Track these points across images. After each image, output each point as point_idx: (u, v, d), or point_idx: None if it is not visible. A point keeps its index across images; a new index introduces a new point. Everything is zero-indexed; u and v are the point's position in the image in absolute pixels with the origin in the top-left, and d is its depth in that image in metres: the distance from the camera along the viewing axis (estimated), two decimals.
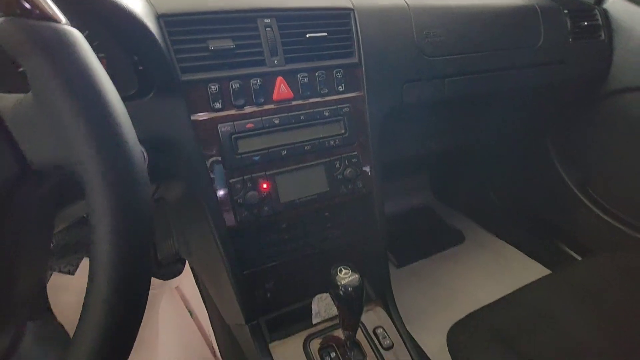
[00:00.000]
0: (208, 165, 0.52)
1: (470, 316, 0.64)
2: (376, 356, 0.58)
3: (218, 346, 0.79)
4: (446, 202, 1.42)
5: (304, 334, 0.60)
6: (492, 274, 1.11)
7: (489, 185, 1.31)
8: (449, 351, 0.59)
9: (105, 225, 0.23)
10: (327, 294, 0.67)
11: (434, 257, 1.19)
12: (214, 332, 0.80)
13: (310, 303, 0.66)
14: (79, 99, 0.22)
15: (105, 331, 0.23)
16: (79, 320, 0.24)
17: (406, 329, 0.62)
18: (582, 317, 0.62)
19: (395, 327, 0.62)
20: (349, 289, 0.49)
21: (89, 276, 0.24)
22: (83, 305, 0.24)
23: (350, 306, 0.51)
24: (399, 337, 0.60)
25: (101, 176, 0.23)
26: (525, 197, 1.21)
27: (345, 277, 0.50)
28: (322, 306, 0.67)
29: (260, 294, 0.63)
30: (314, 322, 0.64)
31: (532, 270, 1.11)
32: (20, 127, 0.23)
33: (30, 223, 0.28)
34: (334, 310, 0.65)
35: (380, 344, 0.59)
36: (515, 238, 1.21)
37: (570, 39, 0.81)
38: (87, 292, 0.23)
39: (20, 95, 0.23)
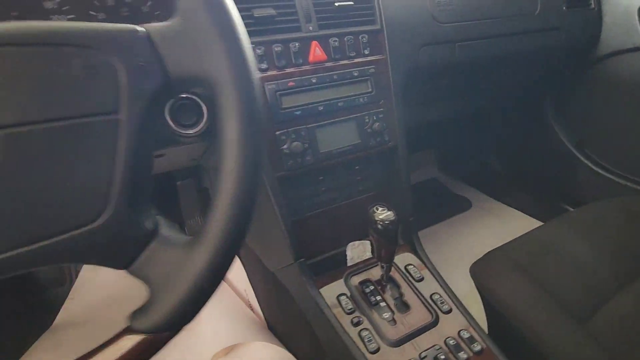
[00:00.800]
0: None
1: (489, 254, 0.71)
2: (409, 286, 0.65)
3: (257, 299, 0.86)
4: (452, 175, 1.50)
5: (343, 272, 0.67)
6: (499, 234, 1.19)
7: (492, 154, 1.39)
8: (473, 279, 0.66)
9: (235, 116, 0.30)
10: (360, 242, 0.74)
11: (443, 223, 1.27)
12: (253, 287, 0.87)
13: (344, 250, 0.73)
14: (221, 23, 0.29)
15: (238, 197, 0.30)
16: (213, 199, 0.31)
17: (433, 265, 0.69)
18: (587, 248, 0.70)
19: (424, 264, 0.69)
20: (386, 222, 0.57)
21: (219, 162, 0.31)
22: (217, 187, 0.31)
23: (388, 238, 0.58)
24: (428, 272, 0.68)
25: (233, 81, 0.30)
26: (526, 162, 1.30)
27: (382, 213, 0.58)
28: (356, 252, 0.74)
29: (301, 242, 0.70)
30: (348, 265, 0.71)
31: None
32: (168, 46, 0.30)
33: (153, 131, 0.34)
34: (366, 255, 0.73)
35: (412, 277, 0.66)
36: (519, 201, 1.29)
37: (564, 8, 0.89)
38: (219, 172, 0.30)
39: (166, 23, 0.30)
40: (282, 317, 0.78)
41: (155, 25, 0.30)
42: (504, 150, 1.36)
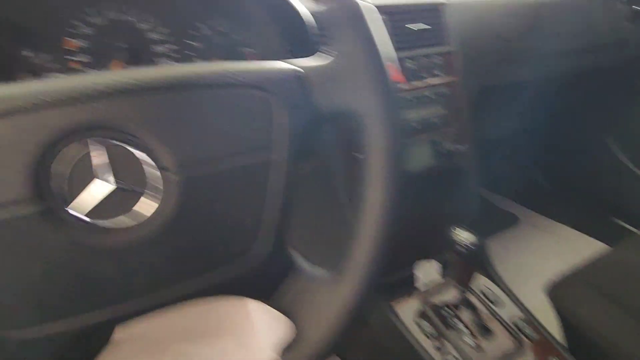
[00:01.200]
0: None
1: (567, 278, 0.69)
2: (486, 309, 0.63)
3: None
4: (495, 191, 1.47)
5: (413, 294, 0.66)
6: (553, 251, 1.16)
7: (537, 169, 1.36)
8: (553, 303, 0.65)
9: (382, 149, 0.30)
10: (428, 262, 0.73)
11: (491, 240, 1.24)
12: None
13: (411, 270, 0.72)
14: (374, 65, 0.30)
15: (383, 229, 0.30)
16: (355, 229, 0.32)
17: (509, 288, 0.68)
18: None
19: (500, 287, 0.68)
20: (468, 244, 0.56)
21: (361, 191, 0.31)
22: (360, 218, 0.31)
23: (469, 260, 0.58)
24: (505, 295, 0.66)
25: (382, 117, 0.30)
26: (575, 178, 1.27)
27: (464, 234, 0.57)
28: (425, 273, 0.73)
29: None
30: (416, 286, 0.70)
31: (592, 247, 1.16)
32: (324, 84, 0.30)
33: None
34: (434, 276, 0.72)
35: (489, 299, 0.65)
36: (568, 217, 1.26)
37: (626, 22, 0.88)
38: (362, 203, 0.31)
39: (321, 62, 0.31)
40: (350, 341, 0.77)
41: (310, 65, 0.31)
42: (551, 166, 1.33)
